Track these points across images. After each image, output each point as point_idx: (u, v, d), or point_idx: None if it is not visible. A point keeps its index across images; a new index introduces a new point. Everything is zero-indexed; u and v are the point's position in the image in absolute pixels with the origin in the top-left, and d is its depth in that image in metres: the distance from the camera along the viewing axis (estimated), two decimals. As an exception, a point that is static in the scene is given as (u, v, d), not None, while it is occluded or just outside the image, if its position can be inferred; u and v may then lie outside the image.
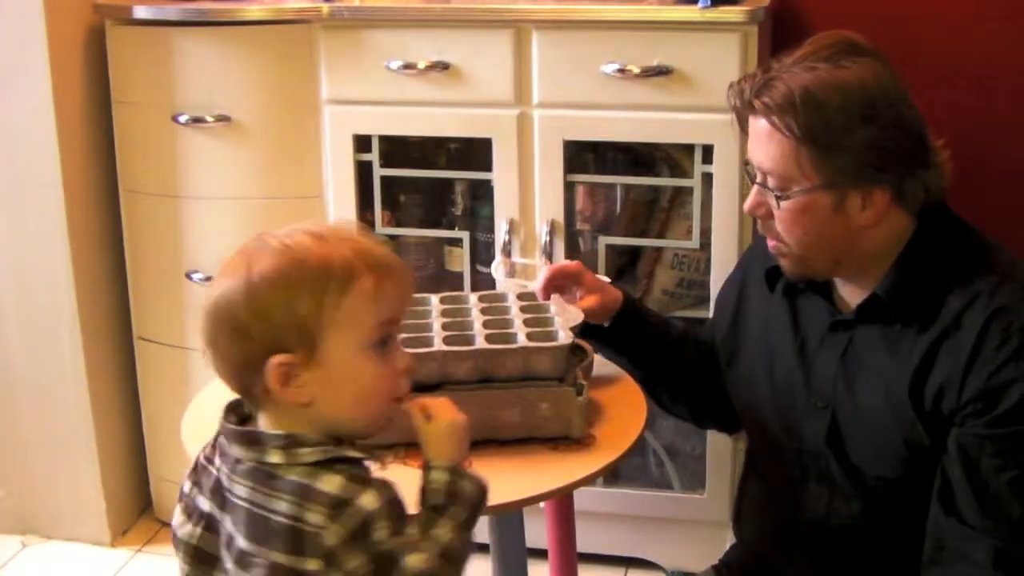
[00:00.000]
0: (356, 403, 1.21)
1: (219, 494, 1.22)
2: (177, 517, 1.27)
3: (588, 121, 2.22)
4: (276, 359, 1.16)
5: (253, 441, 1.19)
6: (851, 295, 1.57)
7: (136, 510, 2.73)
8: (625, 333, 1.79)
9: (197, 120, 2.35)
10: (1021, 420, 1.40)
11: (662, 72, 2.15)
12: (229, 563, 1.19)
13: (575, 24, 2.19)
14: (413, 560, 1.16)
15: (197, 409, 1.69)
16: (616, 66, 2.16)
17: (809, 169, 1.45)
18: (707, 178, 2.22)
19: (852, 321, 1.54)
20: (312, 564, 1.14)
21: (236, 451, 1.20)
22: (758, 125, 1.48)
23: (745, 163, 1.55)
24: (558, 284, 1.76)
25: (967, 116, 2.31)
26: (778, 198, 1.48)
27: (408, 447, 1.60)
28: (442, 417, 1.28)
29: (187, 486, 1.27)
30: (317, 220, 1.23)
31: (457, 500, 1.24)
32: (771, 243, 1.55)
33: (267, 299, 1.16)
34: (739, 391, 1.73)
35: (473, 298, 1.79)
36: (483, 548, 1.90)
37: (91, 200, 2.51)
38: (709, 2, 2.12)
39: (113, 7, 2.38)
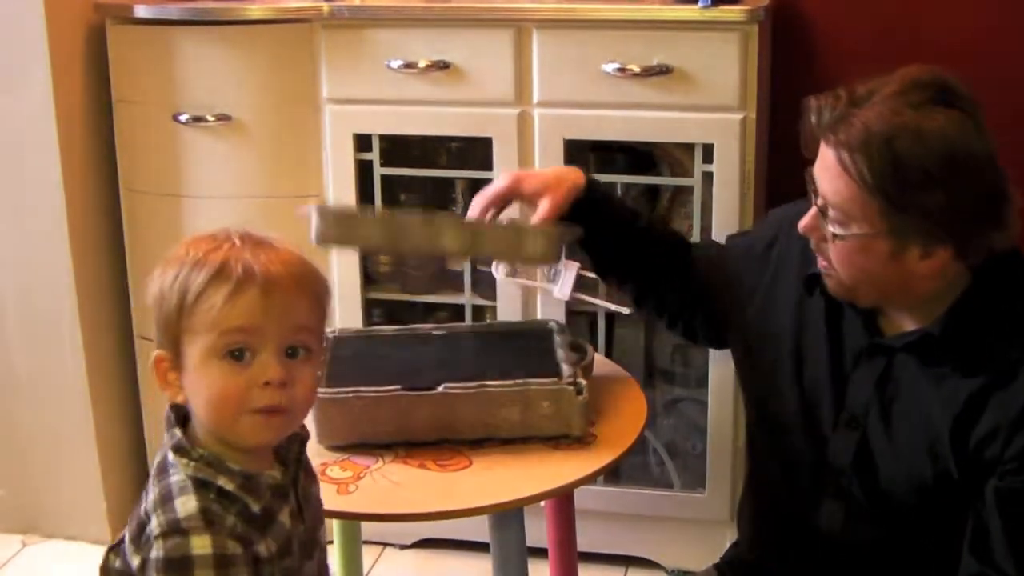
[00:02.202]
0: (205, 409, 1.20)
1: None
2: None
3: (588, 120, 2.22)
4: (155, 354, 1.21)
5: (169, 430, 1.23)
6: (897, 320, 1.51)
7: (137, 509, 2.73)
8: (583, 220, 1.70)
9: (198, 119, 2.35)
10: None
11: (662, 71, 2.15)
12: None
13: (575, 23, 2.19)
14: None
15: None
16: (616, 65, 2.16)
17: (874, 217, 1.37)
18: (707, 177, 2.22)
19: (893, 348, 1.49)
20: (135, 559, 1.18)
21: (167, 435, 1.24)
22: (829, 155, 1.40)
23: (807, 175, 1.47)
24: (499, 207, 1.71)
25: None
26: (835, 236, 1.42)
27: (409, 447, 1.60)
28: None
29: None
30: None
31: None
32: (821, 263, 1.49)
33: (155, 289, 1.20)
34: (757, 381, 1.67)
35: None
36: (483, 548, 1.90)
37: (91, 199, 2.51)
38: (709, 1, 2.12)
39: (114, 6, 2.38)
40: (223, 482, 1.19)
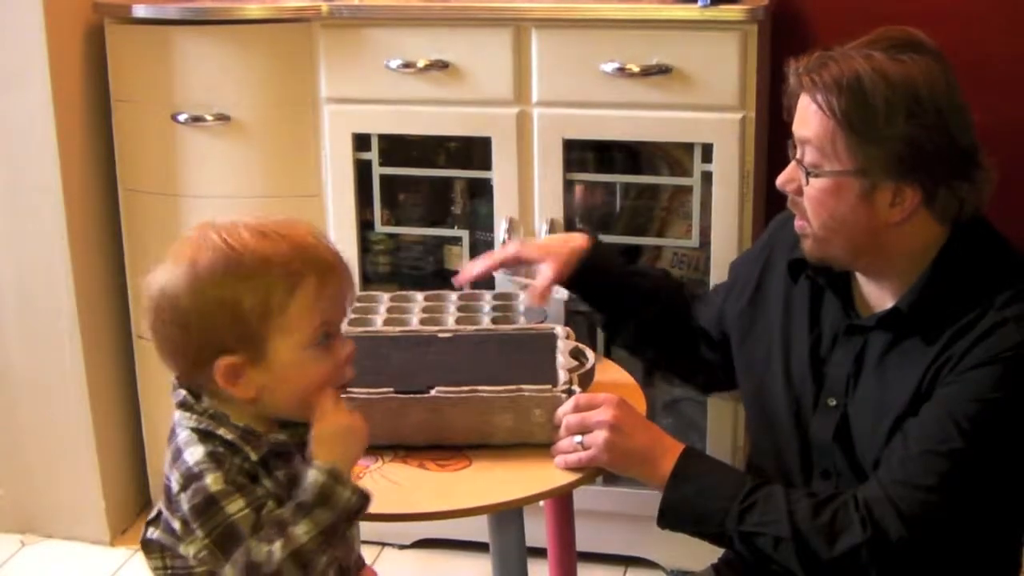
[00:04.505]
0: (301, 399, 1.25)
1: None
2: None
3: (588, 120, 2.22)
4: (224, 361, 1.21)
5: (175, 391, 1.27)
6: (872, 298, 1.56)
7: (136, 509, 2.73)
8: (585, 284, 1.82)
9: (196, 119, 2.35)
10: (975, 413, 1.40)
11: (662, 71, 2.15)
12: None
13: (575, 23, 2.18)
14: (259, 549, 1.17)
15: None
16: (616, 65, 2.16)
17: (843, 153, 1.45)
18: (707, 177, 2.21)
19: (868, 327, 1.54)
20: (176, 522, 1.22)
21: (173, 396, 1.27)
22: (805, 100, 1.48)
23: (789, 140, 1.54)
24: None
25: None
26: (808, 174, 1.48)
27: (408, 448, 1.60)
28: (334, 419, 1.27)
29: None
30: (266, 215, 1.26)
31: (327, 504, 1.22)
32: (798, 222, 1.55)
33: (210, 297, 1.20)
34: (751, 373, 1.71)
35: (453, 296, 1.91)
36: (483, 548, 1.90)
37: (90, 199, 2.51)
38: (709, 1, 2.12)
39: (113, 6, 2.38)
40: (223, 432, 1.22)
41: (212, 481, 1.18)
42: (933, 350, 1.46)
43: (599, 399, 1.55)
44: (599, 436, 1.51)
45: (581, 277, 1.80)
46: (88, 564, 2.59)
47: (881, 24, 1.51)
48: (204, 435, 1.22)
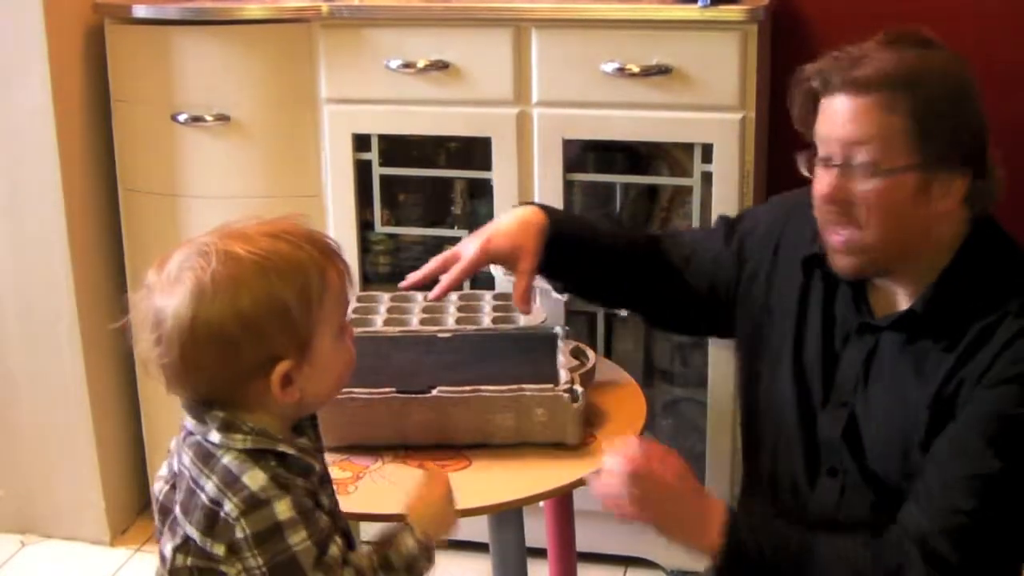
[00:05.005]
0: (335, 387, 1.28)
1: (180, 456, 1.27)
2: (160, 470, 1.31)
3: (588, 120, 2.22)
4: (281, 367, 1.19)
5: (200, 417, 1.22)
6: (887, 297, 1.54)
7: (135, 509, 2.73)
8: (556, 263, 1.70)
9: (196, 119, 2.35)
10: (1004, 430, 1.39)
11: (662, 71, 2.15)
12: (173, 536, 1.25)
13: (575, 23, 2.18)
14: None
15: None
16: (616, 65, 2.16)
17: (904, 147, 1.42)
18: (707, 177, 2.21)
19: (881, 327, 1.52)
20: (218, 548, 1.17)
21: (188, 422, 1.24)
22: (846, 104, 1.44)
23: (810, 153, 1.49)
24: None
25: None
26: (873, 174, 1.43)
27: (407, 448, 1.60)
28: (436, 491, 1.32)
29: (173, 444, 1.30)
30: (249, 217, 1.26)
31: (409, 571, 1.26)
32: (838, 237, 1.49)
33: (258, 307, 1.17)
34: (762, 357, 1.67)
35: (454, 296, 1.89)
36: (483, 548, 1.90)
37: (90, 199, 2.51)
38: (709, 1, 2.12)
39: (113, 6, 2.38)
40: (284, 447, 1.21)
41: (281, 509, 1.16)
42: (950, 358, 1.45)
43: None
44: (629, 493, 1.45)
45: (551, 258, 1.68)
46: (88, 564, 2.59)
47: (881, 24, 1.51)
48: (257, 455, 1.19)
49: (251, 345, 1.18)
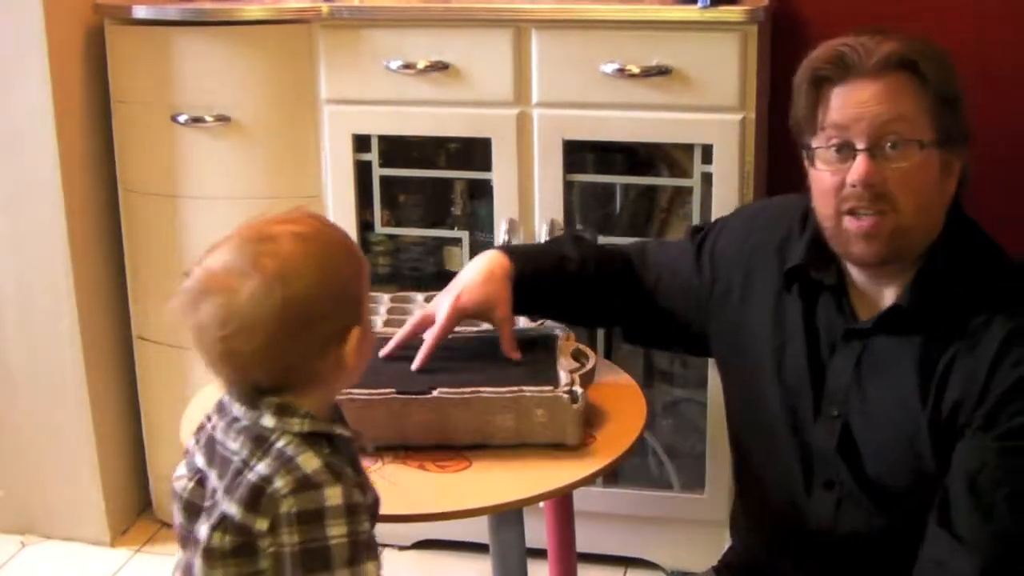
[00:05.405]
0: (364, 365, 1.31)
1: (210, 448, 1.27)
2: (178, 471, 1.32)
3: (587, 121, 2.22)
4: (356, 333, 1.25)
5: (253, 403, 1.24)
6: (869, 300, 1.54)
7: (136, 510, 2.73)
8: (529, 302, 1.73)
9: (196, 120, 2.35)
10: None
11: (662, 72, 2.15)
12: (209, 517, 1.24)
13: (574, 24, 2.19)
14: None
15: (196, 409, 1.69)
16: (616, 66, 2.16)
17: (929, 124, 1.44)
18: (706, 178, 2.22)
19: (867, 331, 1.51)
20: (261, 524, 1.18)
21: (237, 409, 1.25)
22: (873, 85, 1.44)
23: (819, 146, 1.47)
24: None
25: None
26: (909, 152, 1.43)
27: (407, 449, 1.60)
28: None
29: (191, 442, 1.33)
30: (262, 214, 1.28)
31: None
32: (865, 222, 1.45)
33: (340, 282, 1.24)
34: (743, 379, 1.67)
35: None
36: (483, 548, 1.90)
37: (90, 200, 2.51)
38: (709, 2, 2.12)
39: (113, 7, 2.38)
40: (339, 429, 1.26)
41: (330, 494, 1.18)
42: (942, 360, 1.44)
43: None
44: None
45: (521, 299, 1.71)
46: (88, 564, 2.59)
47: (881, 24, 1.52)
48: (311, 440, 1.22)
49: (336, 315, 1.23)
